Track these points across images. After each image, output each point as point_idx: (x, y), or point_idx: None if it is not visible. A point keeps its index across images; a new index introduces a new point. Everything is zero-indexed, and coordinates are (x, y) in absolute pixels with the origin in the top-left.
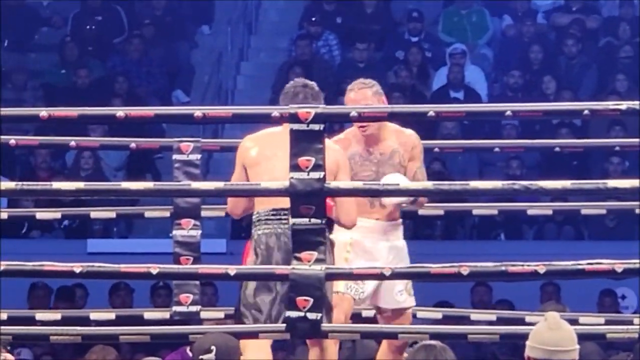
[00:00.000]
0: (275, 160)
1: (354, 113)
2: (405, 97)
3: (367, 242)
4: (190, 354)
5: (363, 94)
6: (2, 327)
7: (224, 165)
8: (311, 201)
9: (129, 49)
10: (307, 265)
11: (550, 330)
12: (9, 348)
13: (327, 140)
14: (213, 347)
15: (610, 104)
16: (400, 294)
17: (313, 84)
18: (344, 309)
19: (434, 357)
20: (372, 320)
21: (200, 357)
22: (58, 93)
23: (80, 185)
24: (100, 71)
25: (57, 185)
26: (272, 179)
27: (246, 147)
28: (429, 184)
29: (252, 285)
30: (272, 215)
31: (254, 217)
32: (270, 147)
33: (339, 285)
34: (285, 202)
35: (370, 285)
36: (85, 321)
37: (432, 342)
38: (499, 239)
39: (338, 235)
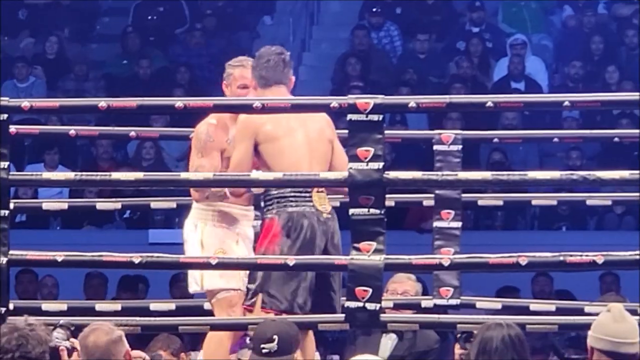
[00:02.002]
0: (295, 134)
1: (412, 103)
2: (466, 87)
3: (248, 231)
4: (248, 341)
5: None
6: (62, 318)
7: None
8: (370, 192)
9: (190, 40)
10: (366, 255)
11: (615, 322)
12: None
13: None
14: (275, 337)
15: None
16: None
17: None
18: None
19: (507, 333)
20: (432, 310)
21: (262, 345)
22: (120, 83)
23: (140, 175)
24: (162, 61)
25: (116, 175)
26: (295, 154)
27: (258, 122)
28: (488, 174)
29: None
30: (298, 193)
31: (274, 193)
32: (286, 120)
33: (236, 282)
34: None
35: None
36: (146, 312)
37: (502, 321)
38: (561, 230)
39: (225, 223)
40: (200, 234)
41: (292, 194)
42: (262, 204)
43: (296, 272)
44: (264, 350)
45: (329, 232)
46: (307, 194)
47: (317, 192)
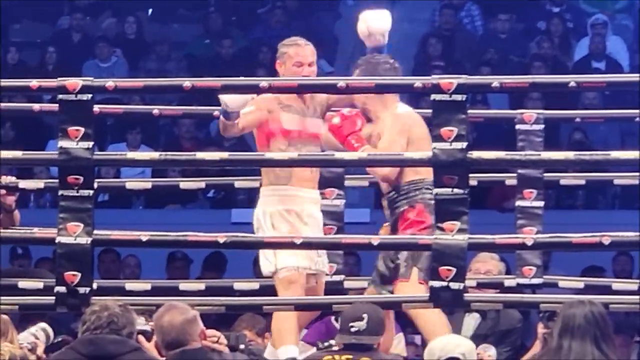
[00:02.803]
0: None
1: (495, 83)
2: (547, 67)
3: (315, 213)
4: (335, 324)
5: (311, 50)
6: (146, 298)
7: None
8: (454, 171)
9: (272, 20)
10: (450, 235)
11: None
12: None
13: None
14: (365, 315)
15: None
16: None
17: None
18: (302, 284)
19: (589, 310)
20: (515, 290)
21: (351, 324)
22: (201, 63)
23: (225, 155)
24: (243, 41)
25: (200, 155)
26: None
27: (411, 123)
28: (571, 154)
29: None
30: (430, 184)
31: (417, 180)
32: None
33: (303, 260)
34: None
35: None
36: (229, 291)
37: (585, 298)
38: None
39: (292, 206)
40: (270, 218)
41: (427, 186)
42: (388, 197)
43: None
44: (352, 329)
45: None
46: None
47: None
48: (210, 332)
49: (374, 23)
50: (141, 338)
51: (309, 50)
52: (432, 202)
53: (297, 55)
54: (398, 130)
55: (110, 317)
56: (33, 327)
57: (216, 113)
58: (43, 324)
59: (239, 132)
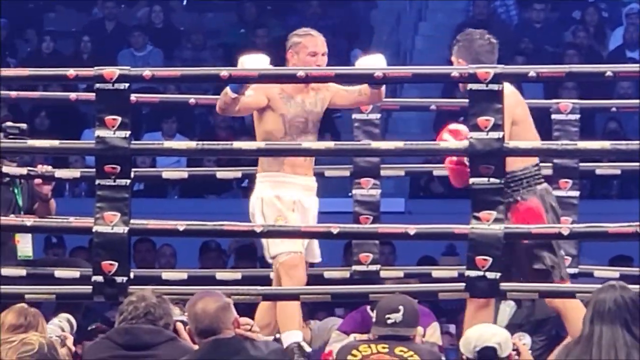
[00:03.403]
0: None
1: (532, 73)
2: (581, 56)
3: (305, 201)
4: (371, 314)
5: (322, 40)
6: (181, 287)
7: (402, 125)
8: (490, 161)
9: (307, 9)
10: (486, 224)
11: None
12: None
13: None
14: (401, 307)
15: None
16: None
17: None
18: (304, 267)
19: (620, 294)
20: None
21: (387, 316)
22: (237, 52)
23: (261, 144)
24: (279, 30)
25: (237, 144)
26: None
27: (513, 103)
28: (607, 144)
29: None
30: (539, 171)
31: (524, 172)
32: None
33: (296, 245)
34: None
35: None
36: (265, 280)
37: (615, 283)
38: None
39: (282, 192)
40: (261, 204)
41: (536, 172)
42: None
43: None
44: (388, 321)
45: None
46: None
47: None
48: (243, 319)
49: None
50: (179, 327)
51: (321, 40)
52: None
53: (312, 45)
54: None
55: (147, 307)
56: (56, 318)
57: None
58: (66, 314)
59: (236, 113)
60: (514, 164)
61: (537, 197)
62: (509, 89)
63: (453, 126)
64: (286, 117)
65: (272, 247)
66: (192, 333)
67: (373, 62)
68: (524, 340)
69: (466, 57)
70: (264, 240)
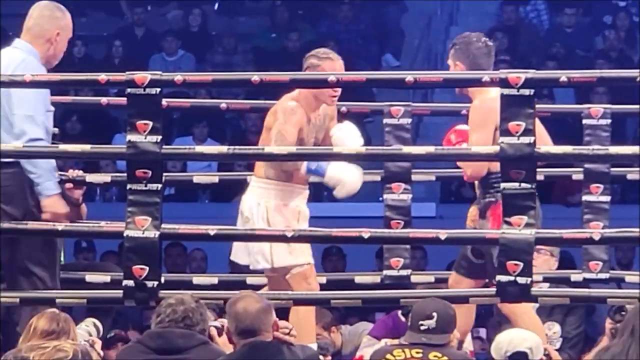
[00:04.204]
0: None
1: (563, 78)
2: (611, 61)
3: (305, 211)
4: (402, 318)
5: (341, 64)
6: (213, 292)
7: (433, 129)
8: (521, 166)
9: (338, 13)
10: (517, 229)
11: None
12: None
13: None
14: (434, 314)
15: None
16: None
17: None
18: (315, 277)
19: None
20: (581, 285)
21: (420, 322)
22: (268, 56)
23: (292, 149)
24: (310, 35)
25: (269, 149)
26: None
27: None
28: (638, 149)
29: None
30: None
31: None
32: None
33: (309, 256)
34: None
35: None
36: None
37: None
38: None
39: (289, 202)
40: (265, 211)
41: None
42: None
43: None
44: (422, 327)
45: None
46: None
47: None
48: (282, 323)
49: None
50: (213, 332)
51: (340, 64)
52: None
53: (330, 69)
54: (480, 121)
55: (186, 312)
56: (83, 322)
57: None
58: (92, 319)
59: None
60: (497, 166)
61: None
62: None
63: (460, 127)
64: (304, 141)
65: (277, 257)
66: (231, 332)
67: (347, 133)
68: (554, 329)
69: (464, 60)
70: (262, 249)
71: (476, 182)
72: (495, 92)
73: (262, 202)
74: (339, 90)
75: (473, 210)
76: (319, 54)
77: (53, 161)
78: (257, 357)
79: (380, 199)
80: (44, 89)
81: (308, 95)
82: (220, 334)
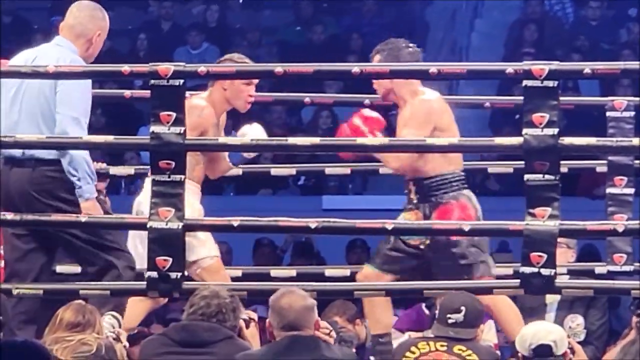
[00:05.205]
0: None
1: (587, 70)
2: (635, 54)
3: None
4: (426, 311)
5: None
6: (237, 283)
7: (458, 122)
8: (545, 157)
9: (362, 7)
10: (541, 221)
11: None
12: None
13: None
14: (462, 307)
15: None
16: None
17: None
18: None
19: None
20: (605, 277)
21: (448, 315)
22: (293, 50)
23: (316, 140)
24: (334, 28)
25: (292, 140)
26: None
27: (440, 109)
28: None
29: None
30: (463, 177)
31: (449, 177)
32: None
33: (216, 249)
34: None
35: None
36: (321, 278)
37: None
38: None
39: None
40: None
41: (463, 177)
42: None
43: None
44: (449, 320)
45: None
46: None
47: None
48: (323, 323)
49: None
50: (241, 324)
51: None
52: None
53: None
54: (422, 119)
55: (220, 306)
56: (105, 315)
57: (307, 100)
58: (112, 311)
59: None
60: (443, 167)
61: (465, 198)
62: (434, 94)
63: (367, 113)
64: None
65: (191, 253)
66: (273, 327)
67: (253, 132)
68: (577, 321)
69: None
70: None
71: (412, 187)
72: (430, 95)
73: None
74: (253, 95)
75: (411, 216)
76: (234, 58)
77: (92, 165)
78: (297, 349)
79: (405, 191)
80: (89, 91)
81: (220, 97)
82: (247, 326)
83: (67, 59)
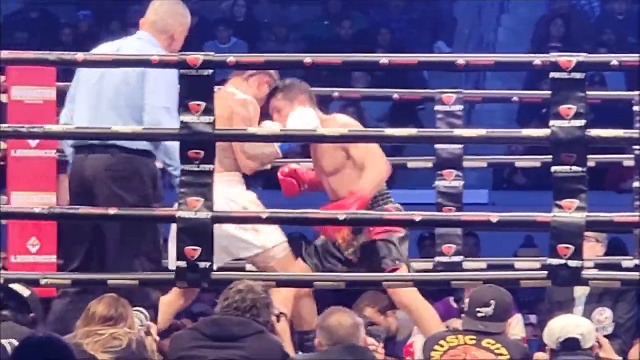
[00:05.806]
0: None
1: (614, 62)
2: None
3: None
4: (454, 305)
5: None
6: (264, 274)
7: (486, 117)
8: (572, 149)
9: (391, 2)
10: (568, 213)
11: None
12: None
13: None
14: (492, 302)
15: None
16: None
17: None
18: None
19: None
20: (633, 271)
21: (478, 309)
22: (321, 45)
23: (344, 131)
24: (363, 23)
25: (321, 131)
26: None
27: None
28: None
29: None
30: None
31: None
32: None
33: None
34: None
35: None
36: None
37: None
38: None
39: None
40: (248, 203)
41: (388, 193)
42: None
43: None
44: (479, 314)
45: None
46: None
47: None
48: (370, 340)
49: None
50: (274, 320)
51: None
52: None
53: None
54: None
55: (255, 302)
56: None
57: (336, 94)
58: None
59: None
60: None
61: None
62: (343, 119)
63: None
64: None
65: (267, 239)
66: (322, 346)
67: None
68: (605, 314)
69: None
70: (245, 235)
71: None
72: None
73: (245, 196)
74: None
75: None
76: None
77: None
78: (354, 357)
79: (433, 185)
80: (176, 80)
81: (258, 95)
82: (279, 320)
83: (149, 52)
